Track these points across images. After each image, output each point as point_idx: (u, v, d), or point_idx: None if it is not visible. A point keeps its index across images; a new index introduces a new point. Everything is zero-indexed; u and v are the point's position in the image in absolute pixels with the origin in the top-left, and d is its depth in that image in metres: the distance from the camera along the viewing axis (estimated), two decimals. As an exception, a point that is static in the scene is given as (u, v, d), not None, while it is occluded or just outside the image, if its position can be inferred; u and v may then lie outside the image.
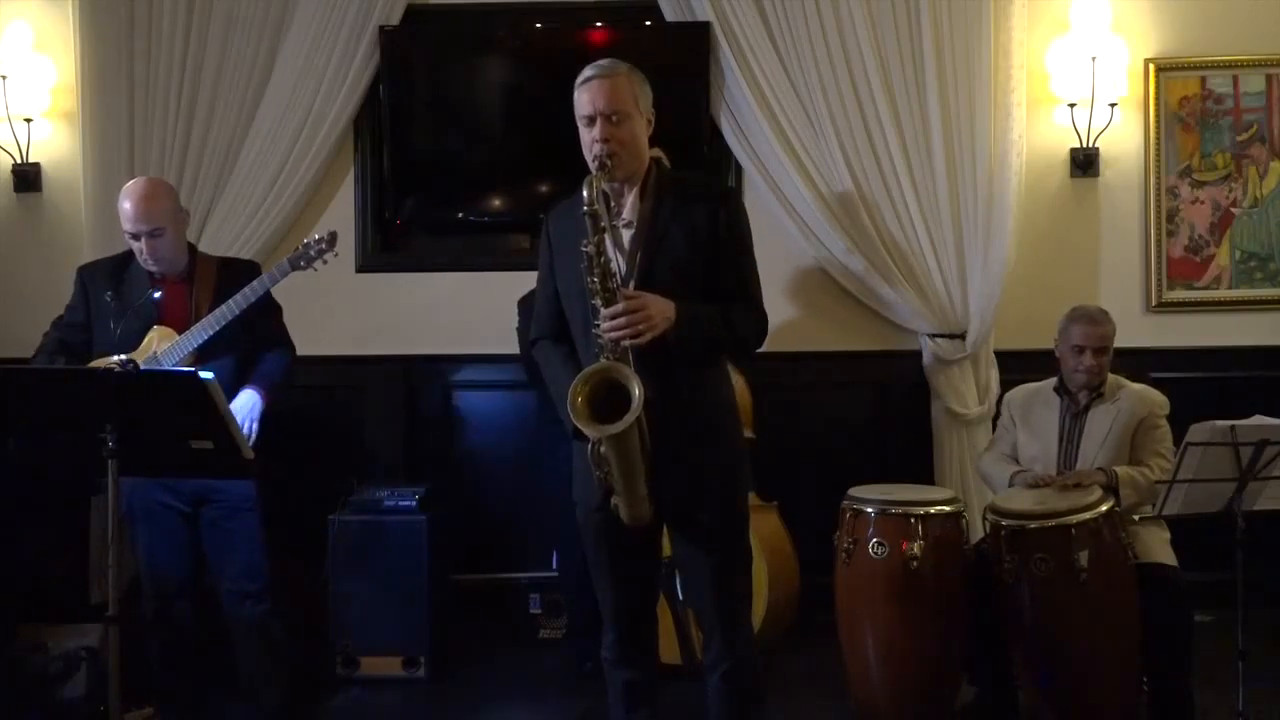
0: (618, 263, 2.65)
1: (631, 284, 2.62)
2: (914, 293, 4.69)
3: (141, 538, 3.46)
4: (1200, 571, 3.48)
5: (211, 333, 3.35)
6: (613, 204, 2.69)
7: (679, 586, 3.73)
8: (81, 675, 4.00)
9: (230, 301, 3.35)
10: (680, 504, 2.69)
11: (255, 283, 3.40)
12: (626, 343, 2.52)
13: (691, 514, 2.70)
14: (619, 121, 2.63)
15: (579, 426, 2.55)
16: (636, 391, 2.48)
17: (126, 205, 3.36)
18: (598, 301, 2.57)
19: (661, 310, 2.55)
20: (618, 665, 2.88)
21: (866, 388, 4.88)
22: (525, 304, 4.32)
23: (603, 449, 2.58)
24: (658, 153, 2.82)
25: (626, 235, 2.68)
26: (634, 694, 2.88)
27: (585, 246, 2.55)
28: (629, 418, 2.47)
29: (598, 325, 2.57)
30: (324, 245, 3.47)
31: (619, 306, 2.52)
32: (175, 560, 3.45)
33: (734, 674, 2.76)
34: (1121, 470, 3.44)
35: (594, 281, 2.55)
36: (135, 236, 3.38)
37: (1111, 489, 3.39)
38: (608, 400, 2.53)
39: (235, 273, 3.57)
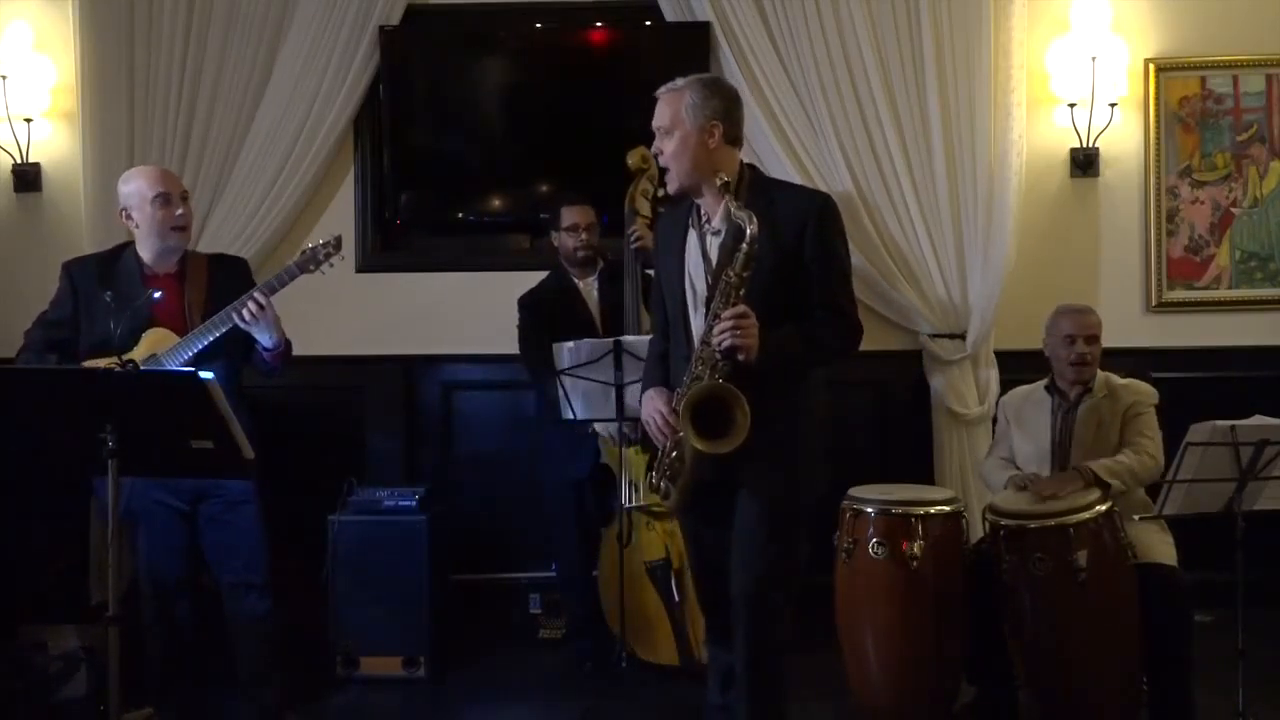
0: (705, 269, 2.83)
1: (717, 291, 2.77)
2: (914, 293, 4.69)
3: (141, 538, 3.46)
4: (1200, 571, 3.48)
5: (215, 336, 3.34)
6: (704, 212, 2.88)
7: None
8: (81, 675, 4.01)
9: (233, 306, 3.35)
10: (741, 492, 2.85)
11: (263, 285, 3.40)
12: (727, 342, 2.66)
13: (746, 504, 2.84)
14: (662, 136, 2.85)
15: (686, 429, 2.71)
16: (742, 420, 2.65)
17: (153, 172, 3.47)
18: (719, 298, 2.72)
19: (757, 339, 2.70)
20: (713, 647, 3.14)
21: (866, 388, 4.87)
22: (526, 303, 4.33)
23: (687, 452, 2.77)
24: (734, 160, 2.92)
25: (715, 243, 2.82)
26: (728, 677, 3.03)
27: (745, 242, 2.68)
28: (736, 439, 2.66)
29: (716, 316, 2.71)
30: (330, 249, 3.48)
31: (741, 309, 2.67)
32: (173, 560, 3.46)
33: (749, 669, 2.86)
34: (1096, 464, 3.44)
35: (733, 275, 2.69)
36: (167, 200, 3.40)
37: (1096, 484, 3.39)
38: (707, 410, 2.70)
39: (227, 270, 3.59)
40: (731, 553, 2.88)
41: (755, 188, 2.86)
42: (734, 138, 2.87)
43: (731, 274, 2.69)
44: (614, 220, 4.27)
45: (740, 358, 2.68)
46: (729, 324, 2.66)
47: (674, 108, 2.83)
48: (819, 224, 2.81)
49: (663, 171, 2.94)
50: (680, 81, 2.87)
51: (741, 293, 2.69)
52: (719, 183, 2.76)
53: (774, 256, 2.76)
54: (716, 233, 2.82)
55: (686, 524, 3.10)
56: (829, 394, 3.02)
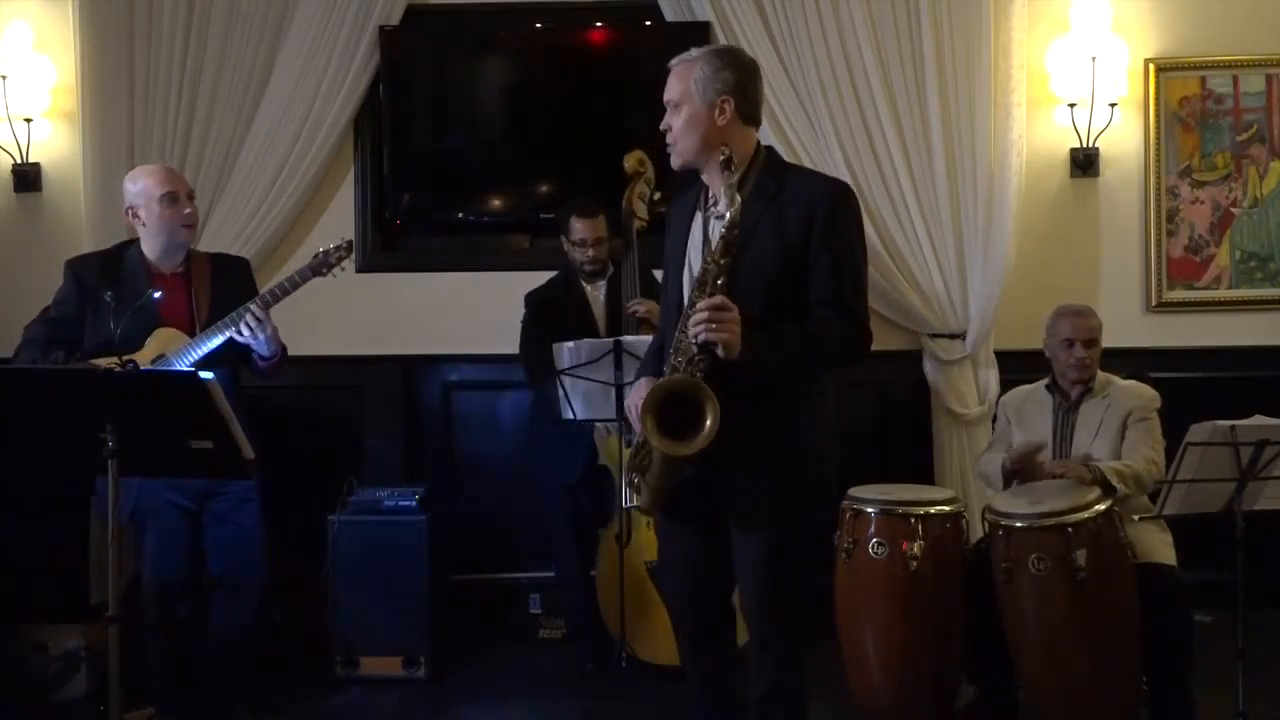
0: (706, 253, 2.60)
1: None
2: (914, 293, 4.69)
3: (149, 538, 3.46)
4: (1200, 571, 3.48)
5: (225, 336, 3.35)
6: (711, 193, 2.68)
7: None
8: (81, 675, 4.01)
9: (233, 318, 3.36)
10: (733, 513, 2.65)
11: (275, 288, 3.43)
12: (702, 336, 2.46)
13: (741, 526, 2.65)
14: (671, 111, 2.66)
15: (646, 425, 2.50)
16: (709, 425, 2.44)
17: (160, 171, 3.48)
18: (695, 286, 2.55)
19: (738, 335, 2.47)
20: (691, 664, 2.86)
21: (866, 388, 4.86)
22: (532, 301, 4.33)
23: (655, 451, 2.55)
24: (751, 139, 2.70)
25: (718, 227, 2.60)
26: (722, 699, 2.83)
27: (723, 226, 2.51)
28: (699, 442, 2.45)
29: (693, 305, 2.52)
30: (342, 252, 3.53)
31: (718, 300, 2.47)
32: (179, 560, 3.46)
33: (770, 698, 2.67)
34: (1105, 466, 3.44)
35: (710, 262, 2.51)
36: (175, 199, 3.41)
37: (1102, 485, 3.39)
38: (677, 406, 2.49)
39: (229, 270, 3.61)
40: (740, 589, 2.70)
41: (768, 170, 2.65)
42: (749, 115, 2.65)
43: (709, 260, 2.50)
44: (612, 221, 4.27)
45: (719, 353, 2.46)
46: (703, 315, 2.45)
47: (684, 81, 2.62)
48: (829, 213, 2.59)
49: (666, 147, 2.73)
50: (694, 52, 2.66)
51: (720, 281, 2.49)
52: (720, 158, 2.55)
53: (777, 249, 2.57)
54: (720, 216, 2.58)
55: (660, 523, 2.84)
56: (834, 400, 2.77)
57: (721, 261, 2.50)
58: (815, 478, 2.67)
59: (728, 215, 2.49)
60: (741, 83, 2.63)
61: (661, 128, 2.68)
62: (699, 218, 2.71)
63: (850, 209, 2.67)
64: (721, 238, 2.49)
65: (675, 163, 2.69)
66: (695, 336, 2.47)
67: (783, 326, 2.56)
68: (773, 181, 2.63)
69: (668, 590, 2.89)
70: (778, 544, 2.62)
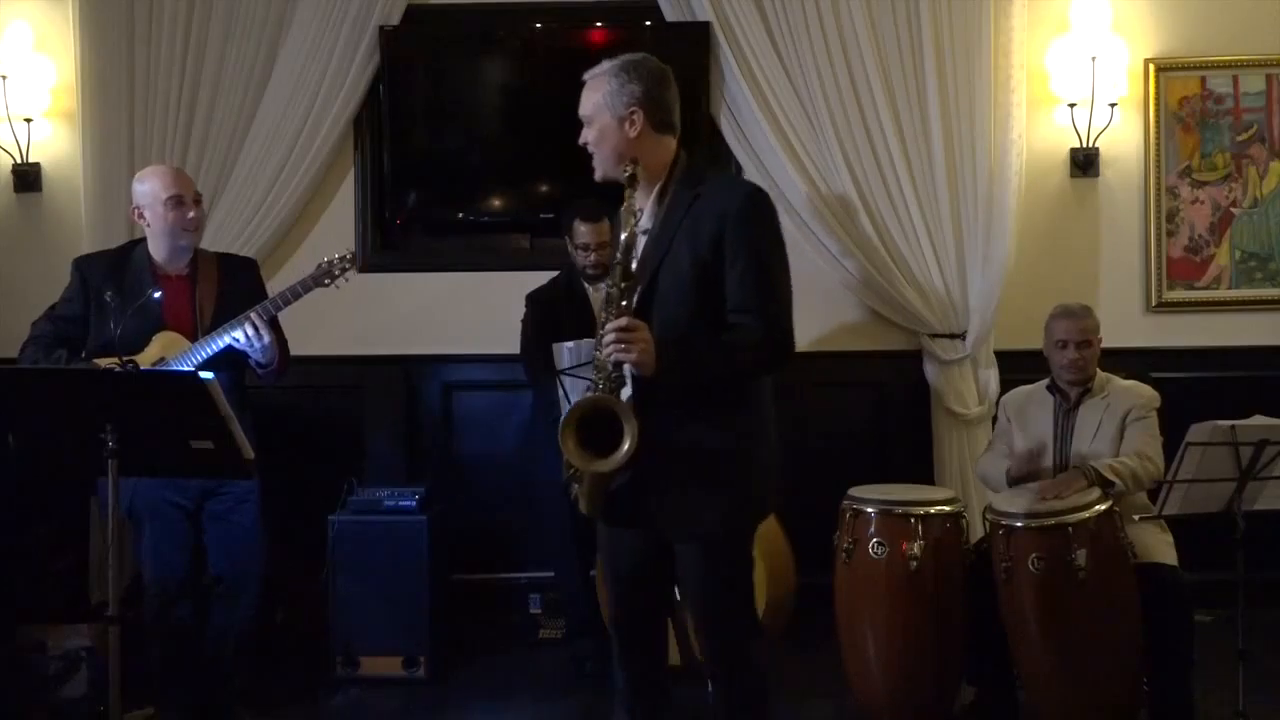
0: (608, 276, 2.59)
1: (636, 295, 2.55)
2: (914, 293, 4.69)
3: (147, 537, 3.46)
4: (1200, 571, 3.48)
5: (224, 344, 3.35)
6: (637, 208, 2.60)
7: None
8: (81, 675, 4.01)
9: (231, 325, 3.37)
10: (667, 527, 2.62)
11: (277, 297, 3.44)
12: (614, 358, 2.45)
13: (677, 536, 2.62)
14: (586, 125, 2.64)
15: (564, 449, 2.50)
16: (627, 446, 2.43)
17: (168, 173, 3.48)
18: (603, 309, 2.53)
19: (648, 353, 2.45)
20: (625, 674, 2.87)
21: (866, 388, 4.87)
22: (534, 301, 4.34)
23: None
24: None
25: (642, 242, 2.60)
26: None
27: (618, 251, 2.51)
28: (615, 461, 2.45)
29: (603, 329, 2.49)
30: (346, 263, 3.53)
31: (623, 321, 2.45)
32: (179, 559, 3.46)
33: (729, 704, 2.70)
34: (1099, 464, 3.44)
35: (612, 286, 2.50)
36: (180, 202, 3.41)
37: (1099, 483, 3.39)
38: (599, 424, 2.48)
39: (237, 271, 3.61)
40: (689, 609, 2.70)
41: (685, 181, 2.61)
42: (662, 123, 2.60)
43: (610, 285, 2.50)
44: (613, 221, 4.27)
45: (634, 372, 2.46)
46: (611, 337, 2.43)
47: (593, 94, 2.60)
48: (738, 221, 2.52)
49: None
50: (604, 65, 2.62)
51: (624, 304, 2.48)
52: (624, 175, 2.54)
53: (691, 262, 2.52)
54: (645, 232, 2.59)
55: (599, 525, 2.80)
56: (774, 406, 2.73)
57: (622, 285, 2.49)
58: (750, 485, 2.63)
59: (622, 239, 2.50)
60: (649, 92, 2.58)
61: (580, 143, 2.65)
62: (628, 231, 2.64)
63: (761, 212, 2.59)
64: (616, 264, 2.49)
65: (597, 175, 2.66)
66: (607, 356, 2.46)
67: (697, 338, 2.53)
68: (688, 192, 2.59)
69: (611, 597, 2.86)
70: (713, 552, 2.61)
